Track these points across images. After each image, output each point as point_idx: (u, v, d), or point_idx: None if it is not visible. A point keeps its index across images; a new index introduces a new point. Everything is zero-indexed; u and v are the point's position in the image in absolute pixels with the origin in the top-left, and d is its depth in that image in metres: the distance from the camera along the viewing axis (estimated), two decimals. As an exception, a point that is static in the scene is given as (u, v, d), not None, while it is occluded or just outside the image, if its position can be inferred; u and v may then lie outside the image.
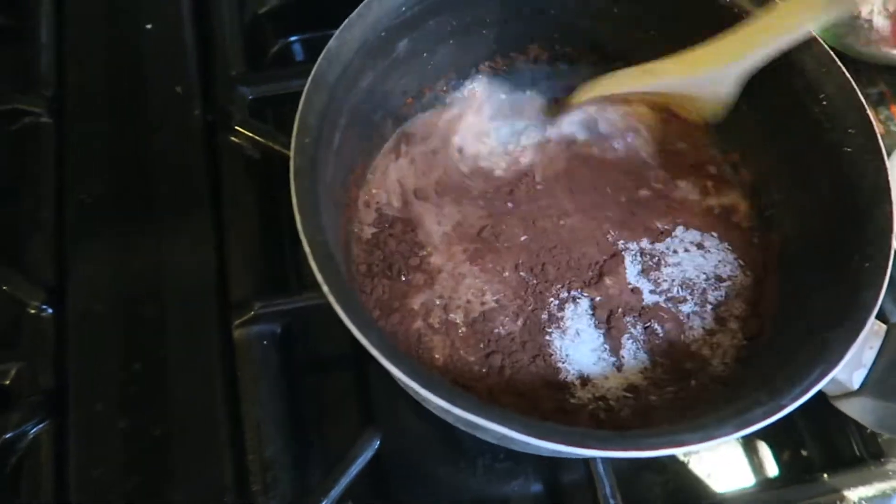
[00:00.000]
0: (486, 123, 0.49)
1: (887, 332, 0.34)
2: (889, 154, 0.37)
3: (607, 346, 0.41)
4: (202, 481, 0.43)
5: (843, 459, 0.48)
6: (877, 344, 0.34)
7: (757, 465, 0.52)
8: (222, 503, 0.42)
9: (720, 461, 0.52)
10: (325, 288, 0.29)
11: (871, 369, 0.33)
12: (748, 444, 0.52)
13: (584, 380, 0.41)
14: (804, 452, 0.52)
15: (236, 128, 0.51)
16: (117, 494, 0.42)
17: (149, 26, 0.56)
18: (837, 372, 0.31)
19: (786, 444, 0.52)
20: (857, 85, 0.57)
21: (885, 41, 0.52)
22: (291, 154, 0.32)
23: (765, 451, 0.53)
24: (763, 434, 0.53)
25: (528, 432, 0.27)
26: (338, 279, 0.29)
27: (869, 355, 0.34)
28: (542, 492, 0.49)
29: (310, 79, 0.35)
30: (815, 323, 0.34)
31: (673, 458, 0.51)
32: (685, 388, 0.39)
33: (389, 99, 0.44)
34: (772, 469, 0.52)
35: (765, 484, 0.50)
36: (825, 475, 0.45)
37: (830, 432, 0.51)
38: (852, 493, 0.44)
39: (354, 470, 0.42)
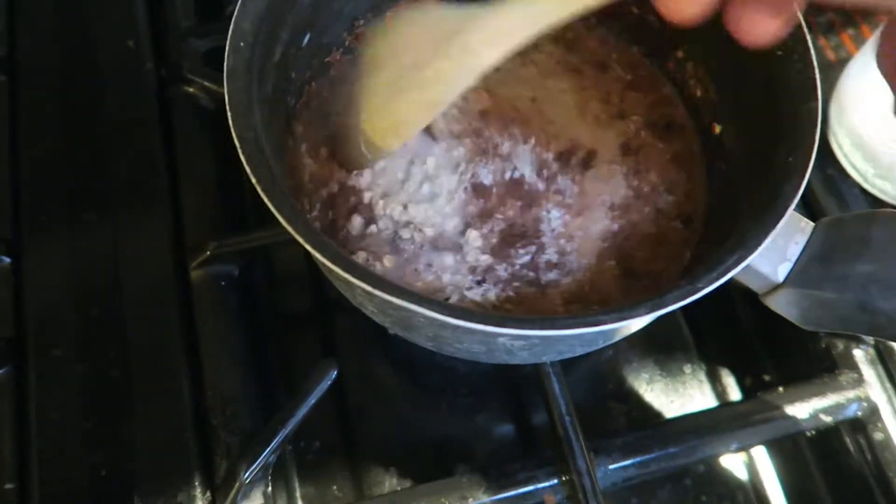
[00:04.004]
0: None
1: (814, 229, 0.35)
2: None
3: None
4: (161, 420, 0.43)
5: (802, 379, 0.48)
6: (802, 240, 0.34)
7: (720, 391, 0.53)
8: (183, 439, 0.43)
9: (684, 389, 0.53)
10: (254, 179, 0.29)
11: (795, 262, 0.34)
12: (711, 372, 0.53)
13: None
14: (766, 377, 0.52)
15: (188, 76, 0.51)
16: (77, 436, 0.42)
17: (100, -18, 0.56)
18: (757, 261, 0.31)
19: (748, 369, 0.53)
20: (807, 13, 0.58)
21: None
22: (226, 55, 0.33)
23: (728, 378, 0.53)
24: (725, 361, 0.53)
25: (439, 311, 0.28)
26: (267, 171, 0.30)
27: (794, 250, 0.34)
28: (505, 423, 0.50)
29: (245, -16, 0.35)
30: (738, 216, 0.34)
31: (636, 387, 0.52)
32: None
33: (339, 21, 0.43)
34: (735, 395, 0.53)
35: (723, 407, 0.51)
36: (780, 388, 0.45)
37: (790, 356, 0.52)
38: (807, 405, 0.45)
39: (312, 399, 0.42)
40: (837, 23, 0.57)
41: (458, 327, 0.29)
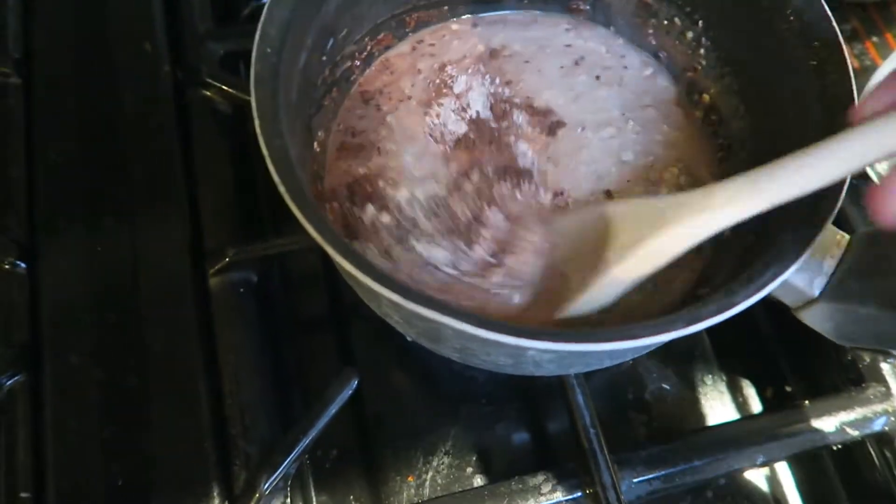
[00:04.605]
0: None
1: (849, 243, 0.34)
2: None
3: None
4: (180, 428, 0.43)
5: (826, 391, 0.48)
6: (838, 253, 0.34)
7: (741, 402, 0.52)
8: (201, 448, 0.42)
9: (704, 399, 0.52)
10: (282, 188, 0.28)
11: (830, 277, 0.33)
12: (732, 383, 0.52)
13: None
14: (788, 388, 0.52)
15: (207, 80, 0.51)
16: (94, 445, 0.42)
17: (116, -14, 0.55)
18: (793, 276, 0.31)
19: (769, 381, 0.53)
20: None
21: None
22: (252, 61, 0.32)
23: (749, 389, 0.53)
24: (746, 372, 0.53)
25: (471, 323, 0.27)
26: (293, 178, 0.29)
27: (829, 264, 0.34)
28: (524, 432, 0.49)
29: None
30: (774, 231, 0.34)
31: (656, 397, 0.51)
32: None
33: (361, 27, 0.43)
34: (756, 406, 0.52)
35: (749, 420, 0.50)
36: (806, 402, 0.45)
37: (813, 368, 0.51)
38: (834, 419, 0.44)
39: (333, 409, 0.42)
40: (861, 31, 0.56)
41: (488, 340, 0.29)
